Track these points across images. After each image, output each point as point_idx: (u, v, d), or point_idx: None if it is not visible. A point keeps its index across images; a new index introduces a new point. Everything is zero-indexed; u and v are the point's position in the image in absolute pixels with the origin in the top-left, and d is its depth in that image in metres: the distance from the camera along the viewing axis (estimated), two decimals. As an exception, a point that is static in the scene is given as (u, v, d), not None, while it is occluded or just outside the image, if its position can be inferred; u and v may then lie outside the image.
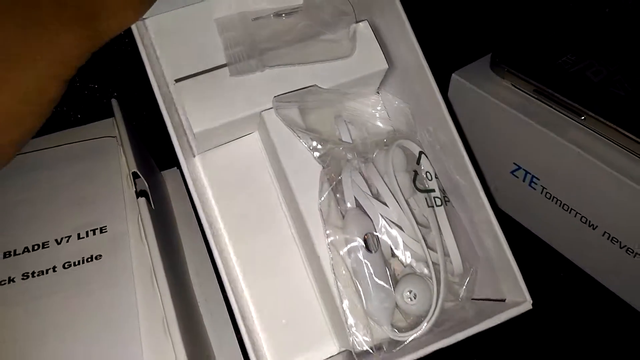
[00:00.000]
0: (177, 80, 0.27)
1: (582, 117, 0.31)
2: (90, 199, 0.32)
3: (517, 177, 0.35)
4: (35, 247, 0.29)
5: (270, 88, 0.28)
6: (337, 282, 0.27)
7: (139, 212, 0.30)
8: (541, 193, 0.34)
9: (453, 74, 0.36)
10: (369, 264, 0.26)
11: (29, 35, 0.22)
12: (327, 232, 0.27)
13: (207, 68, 0.28)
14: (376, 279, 0.26)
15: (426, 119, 0.28)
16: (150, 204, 0.31)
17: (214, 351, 0.30)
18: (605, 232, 0.32)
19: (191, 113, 0.27)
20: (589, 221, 0.32)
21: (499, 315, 0.24)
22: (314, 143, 0.27)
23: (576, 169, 0.31)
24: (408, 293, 0.26)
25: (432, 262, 0.26)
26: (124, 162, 0.33)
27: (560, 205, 0.33)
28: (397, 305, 0.26)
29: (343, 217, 0.28)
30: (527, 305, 0.24)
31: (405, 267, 0.27)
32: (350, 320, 0.26)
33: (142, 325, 0.26)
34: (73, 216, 0.31)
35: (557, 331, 0.32)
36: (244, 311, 0.24)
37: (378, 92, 0.31)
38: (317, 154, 0.27)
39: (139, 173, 0.32)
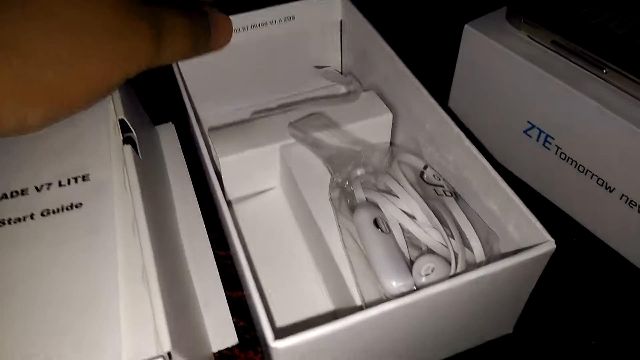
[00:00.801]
0: (210, 129, 0.34)
1: (604, 71, 0.29)
2: (73, 146, 0.30)
3: (531, 137, 0.33)
4: (14, 194, 0.28)
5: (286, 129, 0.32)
6: (348, 257, 0.26)
7: (124, 161, 0.28)
8: (555, 153, 0.32)
9: (466, 25, 0.33)
10: (382, 242, 0.26)
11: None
12: (339, 220, 0.27)
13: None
14: (391, 255, 0.25)
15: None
16: (137, 153, 0.29)
17: (200, 307, 0.29)
18: (622, 195, 0.29)
19: (219, 145, 0.32)
20: (606, 183, 0.30)
21: (523, 254, 0.22)
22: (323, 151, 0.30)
23: (595, 125, 0.29)
24: (426, 268, 0.25)
25: (452, 250, 0.25)
26: (112, 109, 0.31)
27: (575, 167, 0.31)
28: (415, 285, 0.25)
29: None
30: (550, 244, 0.22)
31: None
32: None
33: (120, 274, 0.24)
34: (54, 163, 0.29)
35: (569, 297, 0.30)
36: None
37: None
38: (324, 158, 0.30)
39: (126, 121, 0.30)
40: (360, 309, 0.23)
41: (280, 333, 0.20)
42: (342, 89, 0.40)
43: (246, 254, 0.23)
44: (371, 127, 0.34)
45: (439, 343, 0.26)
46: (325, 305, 0.29)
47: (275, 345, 0.19)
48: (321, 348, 0.21)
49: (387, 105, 0.34)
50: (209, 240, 0.32)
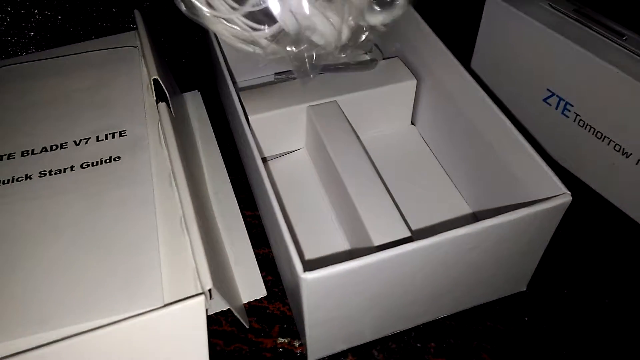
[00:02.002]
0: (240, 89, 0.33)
1: (624, 38, 0.30)
2: (110, 103, 0.31)
3: (550, 105, 0.34)
4: (54, 147, 0.29)
5: (313, 91, 0.34)
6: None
7: (159, 118, 0.29)
8: (574, 121, 0.33)
9: (488, -6, 0.34)
10: None
11: None
12: None
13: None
14: None
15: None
16: (171, 110, 0.30)
17: (231, 263, 0.30)
18: (639, 161, 0.30)
19: (248, 105, 0.32)
20: (623, 149, 0.31)
21: (540, 204, 0.23)
22: None
23: (614, 91, 0.30)
24: None
25: None
26: (144, 70, 0.32)
27: (593, 133, 0.32)
28: None
29: None
30: (566, 196, 0.23)
31: None
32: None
33: (158, 220, 0.25)
34: (92, 119, 0.30)
35: (582, 259, 0.31)
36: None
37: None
38: None
39: (159, 80, 0.31)
40: (377, 249, 0.24)
41: (308, 268, 0.21)
42: (369, 55, 0.41)
43: (278, 200, 0.24)
44: (394, 93, 0.35)
45: (454, 293, 0.27)
46: (344, 246, 0.30)
47: (305, 276, 0.21)
48: (345, 283, 0.22)
49: (412, 72, 0.35)
50: (236, 201, 0.33)
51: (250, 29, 0.21)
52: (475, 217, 0.31)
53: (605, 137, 0.31)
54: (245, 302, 0.29)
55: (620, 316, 0.29)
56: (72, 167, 0.28)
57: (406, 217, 0.29)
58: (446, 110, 0.32)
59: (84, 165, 0.28)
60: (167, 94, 0.31)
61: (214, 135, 0.37)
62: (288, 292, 0.28)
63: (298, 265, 0.21)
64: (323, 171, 0.33)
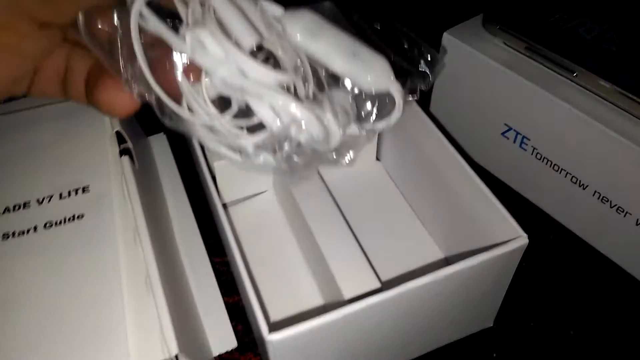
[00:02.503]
0: None
1: (574, 74, 0.31)
2: (72, 158, 0.31)
3: (508, 139, 0.35)
4: (16, 207, 0.29)
5: None
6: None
7: (122, 171, 0.29)
8: (532, 154, 0.34)
9: (445, 33, 0.35)
10: None
11: None
12: None
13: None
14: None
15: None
16: (134, 162, 0.30)
17: (200, 314, 0.30)
18: (595, 192, 0.31)
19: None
20: (579, 181, 0.32)
21: (497, 248, 0.24)
22: None
23: (567, 126, 0.30)
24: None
25: None
26: (107, 122, 0.32)
27: (550, 166, 0.33)
28: None
29: None
30: (523, 239, 0.24)
31: None
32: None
33: (124, 282, 0.25)
34: (55, 175, 0.30)
35: (547, 290, 0.32)
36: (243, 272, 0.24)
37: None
38: None
39: (122, 132, 0.31)
40: (348, 303, 0.24)
41: (275, 327, 0.21)
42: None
43: (242, 253, 0.25)
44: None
45: (423, 336, 0.27)
46: (317, 301, 0.30)
47: (270, 337, 0.21)
48: (313, 340, 0.22)
49: None
50: (204, 248, 0.33)
51: (235, 135, 0.20)
52: (446, 261, 0.32)
53: (562, 169, 0.32)
54: (215, 355, 0.29)
55: (585, 347, 0.29)
56: (35, 228, 0.28)
57: (377, 263, 0.29)
58: (408, 149, 0.33)
59: (47, 226, 0.28)
60: (131, 145, 0.31)
61: (180, 180, 0.37)
62: (258, 342, 0.29)
63: (263, 327, 0.21)
64: (290, 215, 0.33)
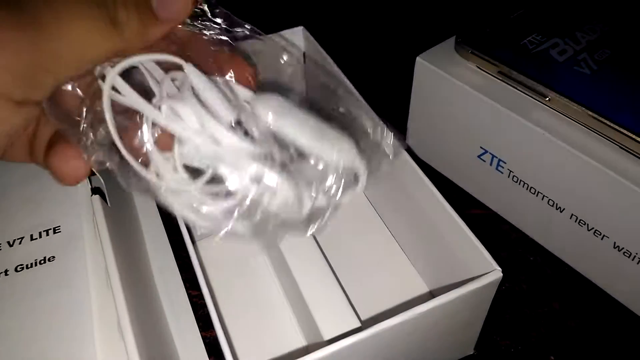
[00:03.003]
0: None
1: (547, 98, 0.31)
2: (43, 198, 0.31)
3: (484, 161, 0.35)
4: (-14, 250, 0.28)
5: None
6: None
7: (93, 211, 0.29)
8: (508, 177, 0.34)
9: (417, 58, 0.35)
10: None
11: None
12: None
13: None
14: None
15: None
16: (106, 201, 0.30)
17: (178, 350, 0.30)
18: (572, 215, 0.31)
19: None
20: (556, 204, 0.32)
21: (472, 283, 0.23)
22: None
23: (542, 150, 0.30)
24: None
25: None
26: (79, 158, 0.32)
27: (527, 189, 0.33)
28: None
29: None
30: (496, 273, 0.24)
31: None
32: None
33: (95, 327, 0.25)
34: (26, 215, 0.30)
35: (527, 314, 0.32)
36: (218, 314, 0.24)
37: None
38: None
39: (94, 170, 0.30)
40: (327, 343, 0.24)
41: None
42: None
43: (212, 294, 0.24)
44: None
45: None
46: (297, 340, 0.30)
47: None
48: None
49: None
50: (182, 282, 0.33)
51: (206, 201, 0.20)
52: (431, 295, 0.31)
53: (538, 192, 0.32)
54: (194, 392, 0.29)
55: (566, 372, 0.29)
56: (6, 272, 0.27)
57: (358, 300, 0.29)
58: (389, 181, 0.33)
59: (18, 269, 0.28)
60: (102, 182, 0.30)
61: (157, 212, 0.37)
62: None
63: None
64: (269, 252, 0.33)
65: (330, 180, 0.21)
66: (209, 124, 0.19)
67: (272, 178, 0.20)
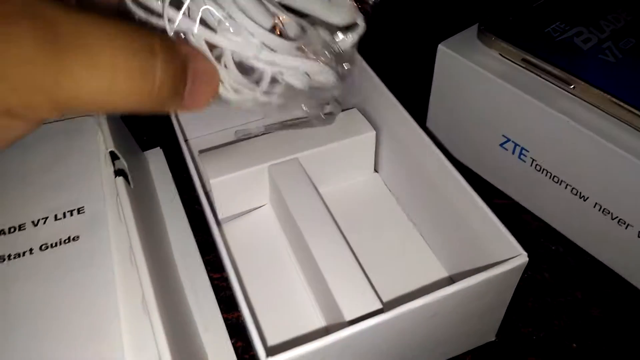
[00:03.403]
0: (200, 152, 0.35)
1: (572, 86, 0.30)
2: (67, 179, 0.31)
3: (507, 150, 0.34)
4: (12, 230, 0.29)
5: (274, 149, 0.34)
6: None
7: (117, 192, 0.29)
8: (531, 165, 0.33)
9: (439, 45, 0.35)
10: None
11: None
12: None
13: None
14: None
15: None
16: (129, 183, 0.30)
17: (199, 331, 0.30)
18: (596, 204, 0.31)
19: (209, 167, 0.33)
20: (580, 192, 0.31)
21: (497, 267, 0.23)
22: None
23: (566, 138, 0.30)
24: None
25: None
26: (102, 141, 0.32)
27: (550, 178, 0.33)
28: None
29: None
30: (522, 257, 0.24)
31: None
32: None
33: (120, 304, 0.25)
34: (50, 197, 0.30)
35: (549, 304, 0.31)
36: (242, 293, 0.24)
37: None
38: None
39: (116, 152, 0.31)
40: (349, 324, 0.24)
41: (273, 350, 0.21)
42: (327, 109, 0.41)
43: (237, 274, 0.24)
44: (355, 145, 0.35)
45: (425, 353, 0.27)
46: (317, 321, 0.30)
47: None
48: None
49: (370, 123, 0.35)
50: (203, 265, 0.33)
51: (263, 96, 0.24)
52: (451, 280, 0.31)
53: (562, 181, 0.32)
54: (215, 373, 0.29)
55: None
56: (31, 250, 0.28)
57: (378, 282, 0.29)
58: (406, 162, 0.33)
59: (42, 248, 0.28)
60: (125, 164, 0.31)
61: (178, 196, 0.37)
62: None
63: (260, 351, 0.21)
64: (288, 232, 0.33)
65: (341, 36, 0.26)
66: (258, 33, 0.21)
67: (314, 67, 0.24)
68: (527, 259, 0.24)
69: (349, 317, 0.26)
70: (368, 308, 0.26)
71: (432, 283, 0.31)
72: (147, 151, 0.40)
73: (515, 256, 0.24)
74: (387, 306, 0.23)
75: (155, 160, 0.39)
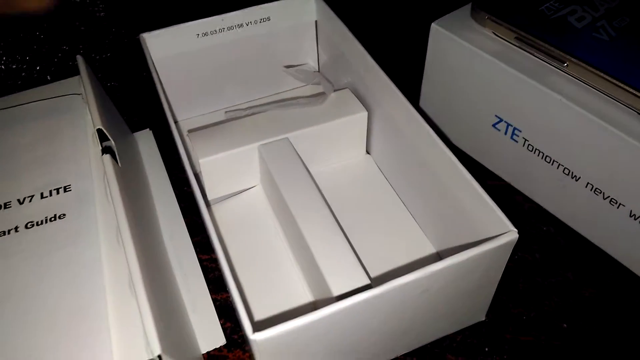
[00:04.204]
0: (189, 131, 0.34)
1: (565, 64, 0.30)
2: (53, 157, 0.30)
3: (499, 130, 0.34)
4: (-3, 208, 0.28)
5: (265, 129, 0.34)
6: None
7: (104, 170, 0.29)
8: (523, 146, 0.33)
9: (432, 24, 0.34)
10: None
11: None
12: None
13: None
14: None
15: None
16: (117, 161, 0.29)
17: (187, 311, 0.30)
18: (588, 183, 0.31)
19: (198, 146, 0.32)
20: (572, 172, 0.31)
21: (487, 243, 0.23)
22: None
23: (558, 117, 0.30)
24: None
25: None
26: (89, 119, 0.32)
27: (542, 158, 0.32)
28: None
29: None
30: (512, 234, 0.23)
31: None
32: None
33: (107, 283, 0.25)
34: (36, 175, 0.30)
35: (539, 284, 0.31)
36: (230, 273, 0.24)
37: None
38: None
39: (104, 130, 0.30)
40: (337, 299, 0.24)
41: (260, 326, 0.21)
42: (320, 88, 0.41)
43: (225, 253, 0.24)
44: (347, 125, 0.35)
45: (414, 331, 0.27)
46: (305, 298, 0.30)
47: (254, 337, 0.20)
48: (299, 339, 0.22)
49: (362, 103, 0.35)
50: (192, 245, 0.33)
51: None
52: (438, 256, 0.31)
53: (554, 161, 0.32)
54: (203, 352, 0.28)
55: (579, 340, 0.29)
56: (16, 228, 0.27)
57: (367, 259, 0.29)
58: (397, 142, 0.32)
59: (28, 226, 0.27)
60: (113, 143, 0.30)
61: (167, 177, 0.37)
62: (246, 339, 0.28)
63: (247, 326, 0.21)
64: (278, 212, 0.33)
65: None
66: None
67: None
68: (517, 235, 0.24)
69: (336, 292, 0.25)
70: (356, 283, 0.26)
71: (421, 259, 0.31)
72: (137, 132, 0.40)
73: (505, 232, 0.24)
74: (376, 282, 0.23)
75: (145, 142, 0.39)
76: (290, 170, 0.32)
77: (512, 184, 0.36)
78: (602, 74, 0.29)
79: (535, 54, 0.31)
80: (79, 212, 0.28)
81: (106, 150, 0.29)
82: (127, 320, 0.24)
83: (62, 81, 0.35)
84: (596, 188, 0.30)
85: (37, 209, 0.28)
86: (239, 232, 0.33)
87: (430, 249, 0.32)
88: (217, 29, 0.37)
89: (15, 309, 0.24)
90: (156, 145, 0.39)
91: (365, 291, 0.22)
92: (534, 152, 0.33)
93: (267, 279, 0.30)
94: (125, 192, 0.28)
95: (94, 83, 0.34)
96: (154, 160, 0.38)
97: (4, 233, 0.27)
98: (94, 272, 0.25)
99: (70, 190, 0.29)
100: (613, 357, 0.28)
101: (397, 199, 0.34)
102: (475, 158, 0.37)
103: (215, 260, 0.33)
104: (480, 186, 0.25)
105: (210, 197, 0.34)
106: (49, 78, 0.45)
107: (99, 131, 0.30)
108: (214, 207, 0.34)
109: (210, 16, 0.36)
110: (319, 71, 0.42)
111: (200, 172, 0.33)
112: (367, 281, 0.26)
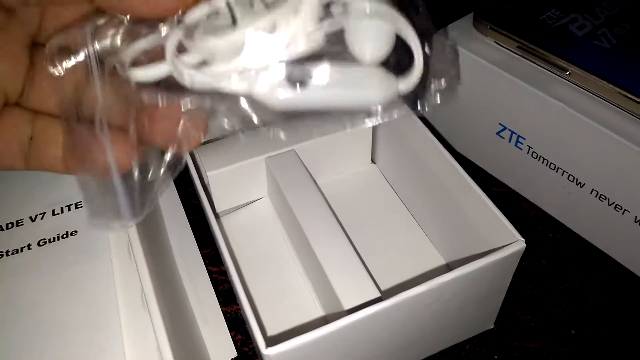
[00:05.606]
0: None
1: (567, 72, 0.30)
2: (63, 177, 0.31)
3: (503, 138, 0.34)
4: (9, 226, 0.29)
5: (271, 141, 0.33)
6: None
7: (114, 186, 0.29)
8: (527, 153, 0.33)
9: (434, 35, 0.35)
10: None
11: None
12: None
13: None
14: None
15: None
16: (126, 177, 0.30)
17: (198, 324, 0.30)
18: (593, 190, 0.31)
19: (206, 159, 0.32)
20: (576, 179, 0.31)
21: (494, 254, 0.23)
22: None
23: (562, 125, 0.30)
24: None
25: None
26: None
27: (547, 165, 0.33)
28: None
29: None
30: (520, 244, 0.24)
31: None
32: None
33: (119, 299, 0.25)
34: (47, 192, 0.30)
35: (547, 291, 0.31)
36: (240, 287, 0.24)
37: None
38: None
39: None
40: (347, 313, 0.24)
41: (273, 341, 0.21)
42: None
43: (236, 266, 0.25)
44: (352, 136, 0.35)
45: (424, 341, 0.27)
46: (316, 311, 0.30)
47: (267, 352, 0.21)
48: (311, 352, 0.22)
49: None
50: (201, 258, 0.33)
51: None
52: (448, 267, 0.31)
53: (558, 168, 0.32)
54: (215, 365, 0.29)
55: (587, 346, 0.29)
56: (29, 246, 0.28)
57: (376, 270, 0.29)
58: (403, 151, 0.33)
59: (40, 243, 0.28)
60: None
61: (175, 189, 0.37)
62: (257, 353, 0.28)
63: (260, 341, 0.21)
64: (286, 224, 0.33)
65: None
66: None
67: None
68: (524, 245, 0.24)
69: (347, 306, 0.26)
70: (366, 297, 0.26)
71: (430, 271, 0.31)
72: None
73: (512, 242, 0.24)
74: (386, 295, 0.23)
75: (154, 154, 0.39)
76: (298, 183, 0.32)
77: (518, 190, 0.36)
78: (603, 82, 0.29)
79: (537, 62, 0.32)
80: (91, 228, 0.28)
81: (116, 166, 0.30)
82: (140, 335, 0.24)
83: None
84: (601, 194, 0.31)
85: (49, 226, 0.28)
86: (247, 243, 0.33)
87: (438, 259, 0.32)
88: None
89: (29, 325, 0.25)
90: (164, 159, 0.39)
91: (375, 304, 0.22)
92: (539, 160, 0.33)
93: (276, 291, 0.31)
94: (135, 207, 0.28)
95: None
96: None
97: (18, 251, 0.28)
98: (106, 288, 0.26)
99: (81, 206, 0.29)
100: (622, 363, 0.29)
101: (404, 209, 0.34)
102: (480, 165, 0.37)
103: (225, 273, 0.33)
104: (486, 196, 0.26)
105: (218, 209, 0.35)
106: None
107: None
108: (222, 219, 0.35)
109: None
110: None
111: (209, 184, 0.33)
112: (377, 294, 0.26)
